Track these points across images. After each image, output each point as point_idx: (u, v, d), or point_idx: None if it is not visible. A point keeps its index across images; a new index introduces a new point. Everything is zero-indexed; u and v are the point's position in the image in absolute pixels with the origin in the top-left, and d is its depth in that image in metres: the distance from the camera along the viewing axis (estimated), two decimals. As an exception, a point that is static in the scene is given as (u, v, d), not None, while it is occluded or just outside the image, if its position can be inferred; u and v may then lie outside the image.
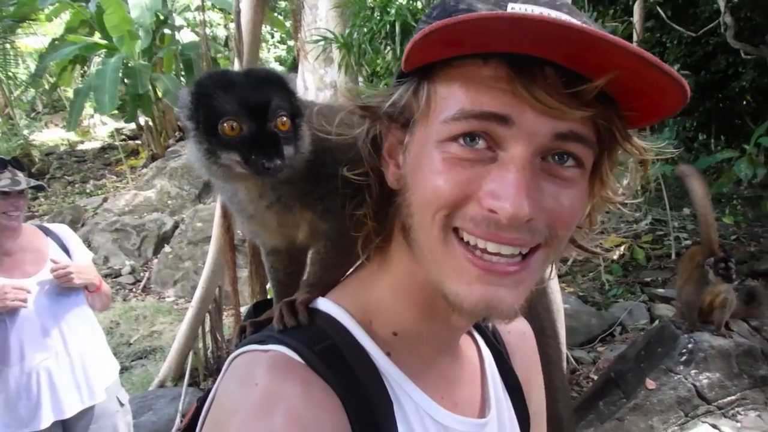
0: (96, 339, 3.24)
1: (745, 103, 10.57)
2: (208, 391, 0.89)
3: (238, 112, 0.84)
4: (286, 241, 1.07)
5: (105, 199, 10.97)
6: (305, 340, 0.84)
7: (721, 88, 10.11)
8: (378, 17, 4.84)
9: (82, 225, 10.02)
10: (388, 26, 4.85)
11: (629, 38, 8.98)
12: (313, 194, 0.96)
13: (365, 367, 0.83)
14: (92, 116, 15.26)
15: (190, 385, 5.61)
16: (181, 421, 5.03)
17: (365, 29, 5.01)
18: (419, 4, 5.14)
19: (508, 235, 0.72)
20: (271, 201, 0.97)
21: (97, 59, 13.26)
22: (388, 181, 0.85)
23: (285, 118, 0.87)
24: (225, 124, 0.84)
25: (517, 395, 1.05)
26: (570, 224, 0.77)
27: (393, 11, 4.70)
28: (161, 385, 5.86)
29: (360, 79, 5.62)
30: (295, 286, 1.06)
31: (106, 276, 8.82)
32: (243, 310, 6.46)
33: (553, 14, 0.68)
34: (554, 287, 3.04)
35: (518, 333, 1.15)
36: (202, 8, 5.49)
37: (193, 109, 0.87)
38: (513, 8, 0.71)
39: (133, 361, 6.74)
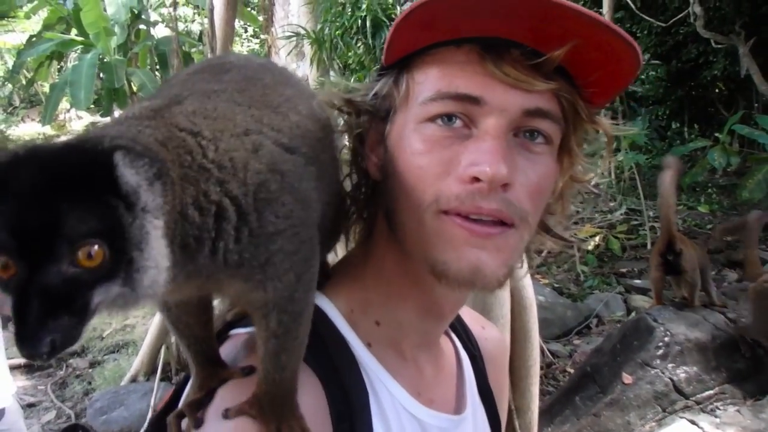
0: None
1: (717, 91, 10.68)
2: (187, 377, 0.89)
3: (3, 242, 0.49)
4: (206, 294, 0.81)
5: (79, 194, 10.86)
6: None
7: (692, 77, 10.28)
8: (349, 13, 4.92)
9: (55, 219, 9.92)
10: (359, 21, 4.94)
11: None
12: (249, 263, 0.68)
13: (344, 357, 0.84)
14: (69, 110, 15.18)
15: (162, 379, 5.57)
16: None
17: (337, 25, 5.07)
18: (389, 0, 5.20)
19: (488, 205, 0.76)
20: (185, 278, 0.66)
21: (73, 55, 13.26)
22: (371, 174, 0.91)
23: (94, 247, 0.50)
24: None
25: (489, 399, 1.08)
26: (541, 197, 0.83)
27: (364, 6, 4.77)
28: (133, 380, 5.85)
29: (332, 73, 5.65)
30: (212, 337, 0.85)
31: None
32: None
33: None
34: (526, 282, 2.99)
35: (495, 341, 1.20)
36: (174, 4, 5.45)
37: None
38: None
39: (105, 355, 6.71)
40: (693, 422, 3.74)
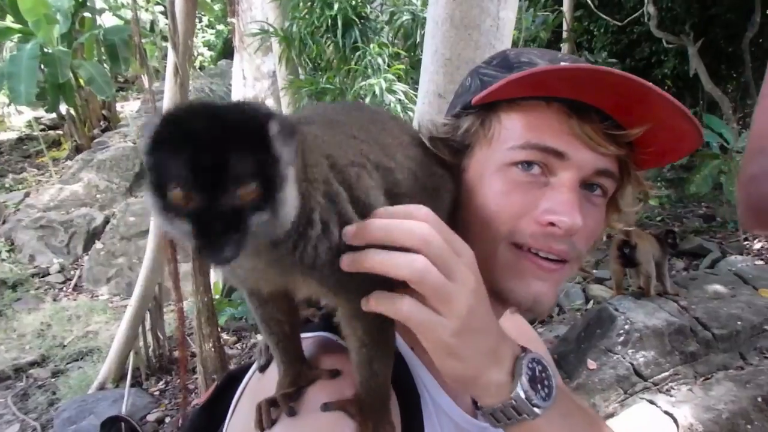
0: None
1: (666, 89, 11.14)
2: (232, 372, 1.02)
3: (186, 179, 0.63)
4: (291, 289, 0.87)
5: (27, 194, 10.34)
6: None
7: (645, 75, 10.35)
8: (319, 11, 4.85)
9: (4, 222, 9.46)
10: (329, 20, 4.87)
11: (559, 27, 9.30)
12: (321, 271, 0.77)
13: (398, 362, 0.90)
14: (9, 104, 14.31)
15: (132, 385, 5.49)
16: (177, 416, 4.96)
17: (306, 22, 5.00)
18: (360, -2, 5.16)
19: (558, 246, 0.88)
20: (269, 260, 0.77)
21: (9, 44, 12.46)
22: None
23: (252, 186, 0.65)
24: (173, 192, 0.64)
25: None
26: (593, 240, 0.95)
27: (336, 6, 4.71)
28: (101, 387, 5.69)
29: (300, 71, 5.58)
30: (298, 338, 0.92)
31: (32, 276, 8.39)
32: (185, 305, 6.32)
33: (598, 67, 0.84)
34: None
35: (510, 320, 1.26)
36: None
37: (147, 154, 0.66)
38: (563, 64, 0.86)
39: (68, 363, 6.48)
40: (652, 402, 3.97)
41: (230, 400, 0.95)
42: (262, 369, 0.94)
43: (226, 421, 0.93)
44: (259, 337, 0.91)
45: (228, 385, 1.02)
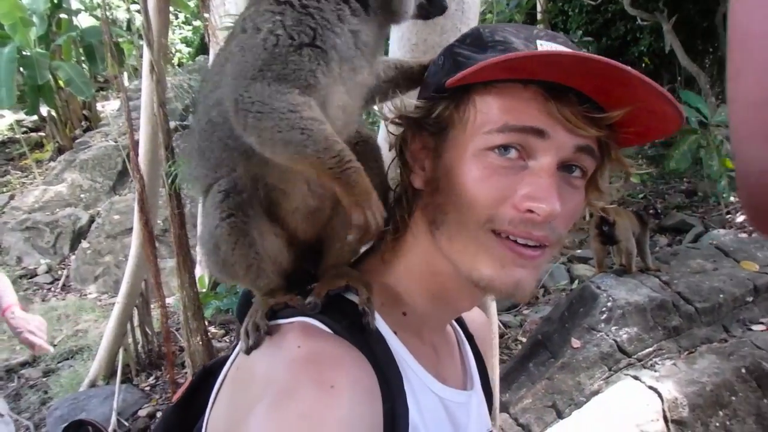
0: None
1: (644, 66, 11.18)
2: (207, 366, 1.02)
3: None
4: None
5: (12, 197, 10.30)
6: (329, 317, 0.90)
7: (621, 53, 10.65)
8: None
9: (-11, 225, 9.41)
10: None
11: (534, 8, 9.27)
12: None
13: (379, 344, 0.90)
14: (-12, 109, 14.12)
15: (122, 382, 5.51)
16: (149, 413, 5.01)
17: None
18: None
19: (538, 233, 0.86)
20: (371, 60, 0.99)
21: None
22: (412, 182, 0.97)
23: None
24: None
25: (484, 375, 1.18)
26: (572, 222, 0.93)
27: None
28: (92, 385, 5.72)
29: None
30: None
31: (20, 277, 8.37)
32: (170, 301, 6.34)
33: (579, 53, 0.83)
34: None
35: (479, 321, 1.29)
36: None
37: None
38: (541, 45, 0.86)
39: (59, 362, 6.49)
40: (636, 378, 3.98)
41: (205, 396, 0.94)
42: (249, 351, 0.90)
43: (206, 413, 0.91)
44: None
45: (203, 381, 1.01)
